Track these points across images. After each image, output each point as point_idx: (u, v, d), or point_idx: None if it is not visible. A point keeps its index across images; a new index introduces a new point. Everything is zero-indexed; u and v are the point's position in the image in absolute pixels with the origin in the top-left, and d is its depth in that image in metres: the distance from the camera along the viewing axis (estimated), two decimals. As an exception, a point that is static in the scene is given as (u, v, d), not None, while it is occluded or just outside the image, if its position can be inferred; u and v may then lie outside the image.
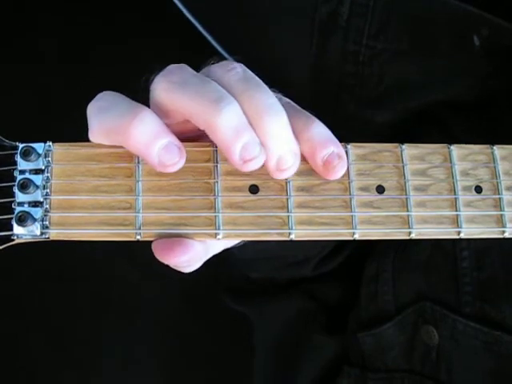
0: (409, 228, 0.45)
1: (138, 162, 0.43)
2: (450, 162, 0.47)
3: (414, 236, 0.46)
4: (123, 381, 0.86)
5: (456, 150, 0.48)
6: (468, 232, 0.47)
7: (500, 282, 0.62)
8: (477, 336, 0.63)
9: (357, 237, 0.45)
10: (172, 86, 0.42)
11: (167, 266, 0.44)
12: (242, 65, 0.44)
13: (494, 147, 0.48)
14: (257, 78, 0.43)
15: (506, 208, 0.47)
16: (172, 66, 0.44)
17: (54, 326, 0.85)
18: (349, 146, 0.46)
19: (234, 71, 0.43)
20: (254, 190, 0.44)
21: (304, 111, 0.45)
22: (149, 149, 0.41)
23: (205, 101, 0.41)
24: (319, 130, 0.44)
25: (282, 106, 0.43)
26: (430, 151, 0.47)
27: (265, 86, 0.43)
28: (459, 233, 0.47)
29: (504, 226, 0.47)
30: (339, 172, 0.44)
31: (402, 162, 0.46)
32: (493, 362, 0.62)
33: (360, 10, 0.67)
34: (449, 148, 0.47)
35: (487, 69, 0.65)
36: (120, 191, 0.43)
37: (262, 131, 0.42)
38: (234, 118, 0.41)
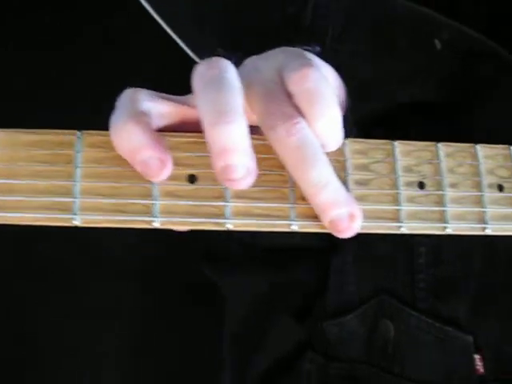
0: None
1: (77, 150, 0.44)
2: (393, 158, 0.48)
3: None
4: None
5: (400, 146, 0.48)
6: (409, 227, 0.47)
7: (453, 280, 0.63)
8: (429, 331, 0.64)
9: (295, 228, 0.45)
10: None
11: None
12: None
13: (439, 144, 0.49)
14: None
15: (448, 205, 0.48)
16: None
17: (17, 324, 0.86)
18: None
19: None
20: (191, 179, 0.45)
21: None
22: (132, 159, 0.43)
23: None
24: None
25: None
26: (374, 146, 0.48)
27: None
28: (400, 227, 0.47)
29: (446, 223, 0.48)
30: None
31: (344, 157, 0.47)
32: (445, 358, 0.63)
33: (322, 12, 0.67)
34: (392, 144, 0.48)
35: (448, 71, 0.66)
36: (59, 177, 0.43)
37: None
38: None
